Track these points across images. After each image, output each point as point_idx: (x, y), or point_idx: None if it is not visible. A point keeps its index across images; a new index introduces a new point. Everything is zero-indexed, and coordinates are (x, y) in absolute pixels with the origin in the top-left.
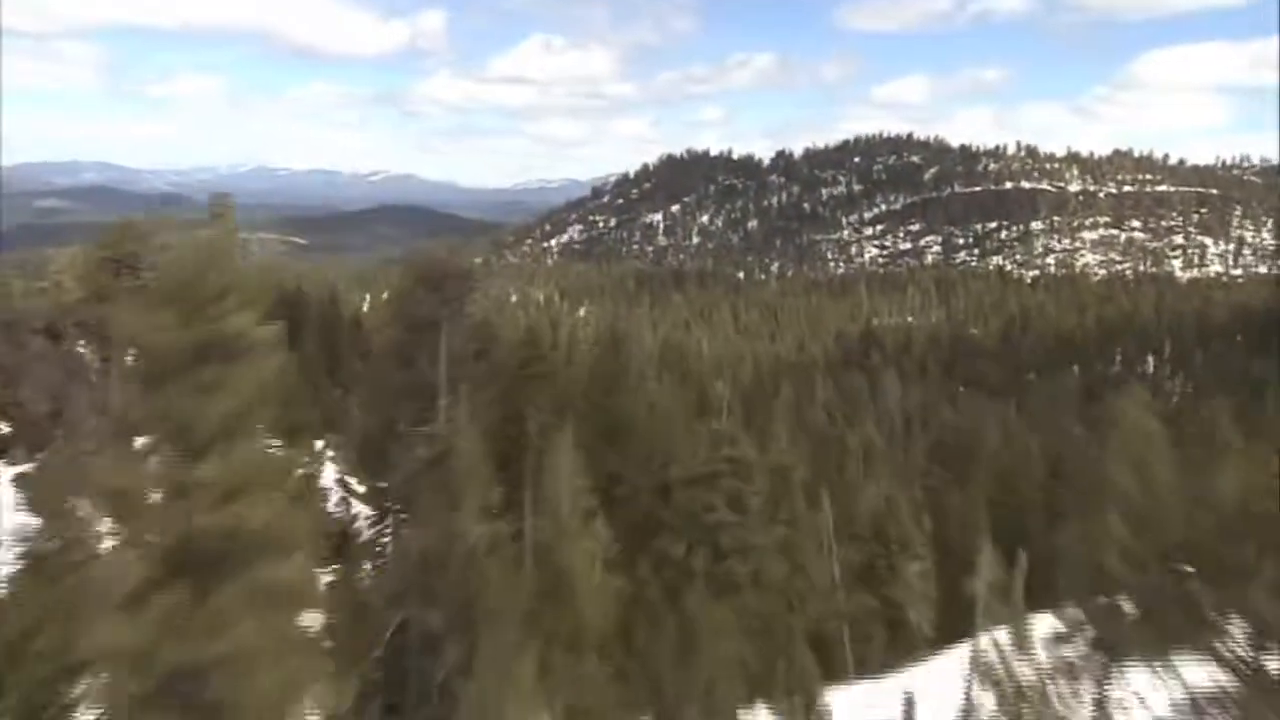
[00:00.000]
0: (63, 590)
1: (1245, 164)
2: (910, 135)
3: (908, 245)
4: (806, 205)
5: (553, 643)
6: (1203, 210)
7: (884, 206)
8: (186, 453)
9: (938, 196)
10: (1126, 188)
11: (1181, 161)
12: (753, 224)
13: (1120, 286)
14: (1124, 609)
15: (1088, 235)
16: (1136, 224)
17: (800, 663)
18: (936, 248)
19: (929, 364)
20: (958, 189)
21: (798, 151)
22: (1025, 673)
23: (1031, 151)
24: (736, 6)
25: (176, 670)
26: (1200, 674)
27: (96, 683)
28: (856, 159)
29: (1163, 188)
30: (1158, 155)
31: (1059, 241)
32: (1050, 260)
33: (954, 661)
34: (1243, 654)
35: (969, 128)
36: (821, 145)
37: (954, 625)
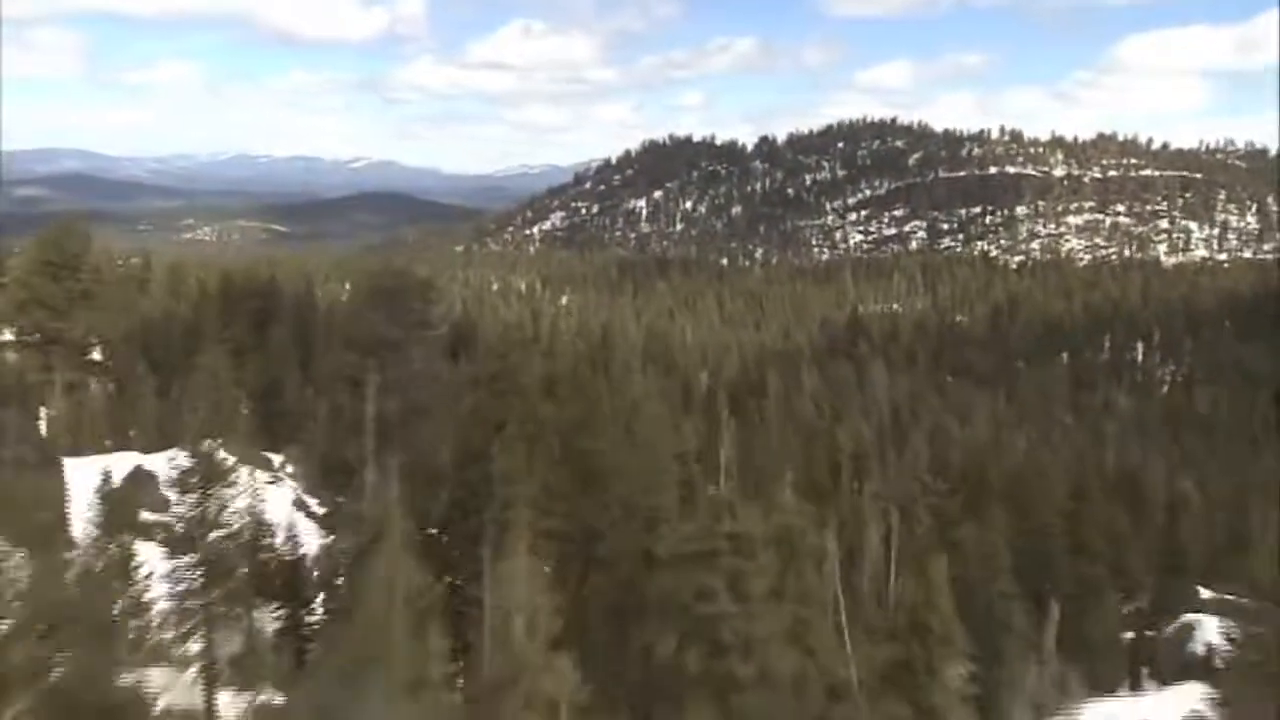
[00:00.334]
0: None
1: (1229, 148)
2: (894, 120)
3: (892, 231)
4: (790, 191)
5: None
6: (1187, 194)
7: (868, 192)
8: None
9: (922, 182)
10: (1111, 172)
11: (1165, 145)
12: (736, 210)
13: (1107, 272)
14: None
15: (1072, 220)
16: (1121, 209)
17: None
18: (921, 233)
19: (917, 353)
20: (942, 174)
21: (781, 137)
22: None
23: (1016, 136)
24: None
25: None
26: None
27: None
28: (840, 144)
29: (1147, 172)
30: (1142, 139)
31: (1044, 226)
32: (1035, 245)
33: None
34: None
35: (952, 112)
36: (805, 130)
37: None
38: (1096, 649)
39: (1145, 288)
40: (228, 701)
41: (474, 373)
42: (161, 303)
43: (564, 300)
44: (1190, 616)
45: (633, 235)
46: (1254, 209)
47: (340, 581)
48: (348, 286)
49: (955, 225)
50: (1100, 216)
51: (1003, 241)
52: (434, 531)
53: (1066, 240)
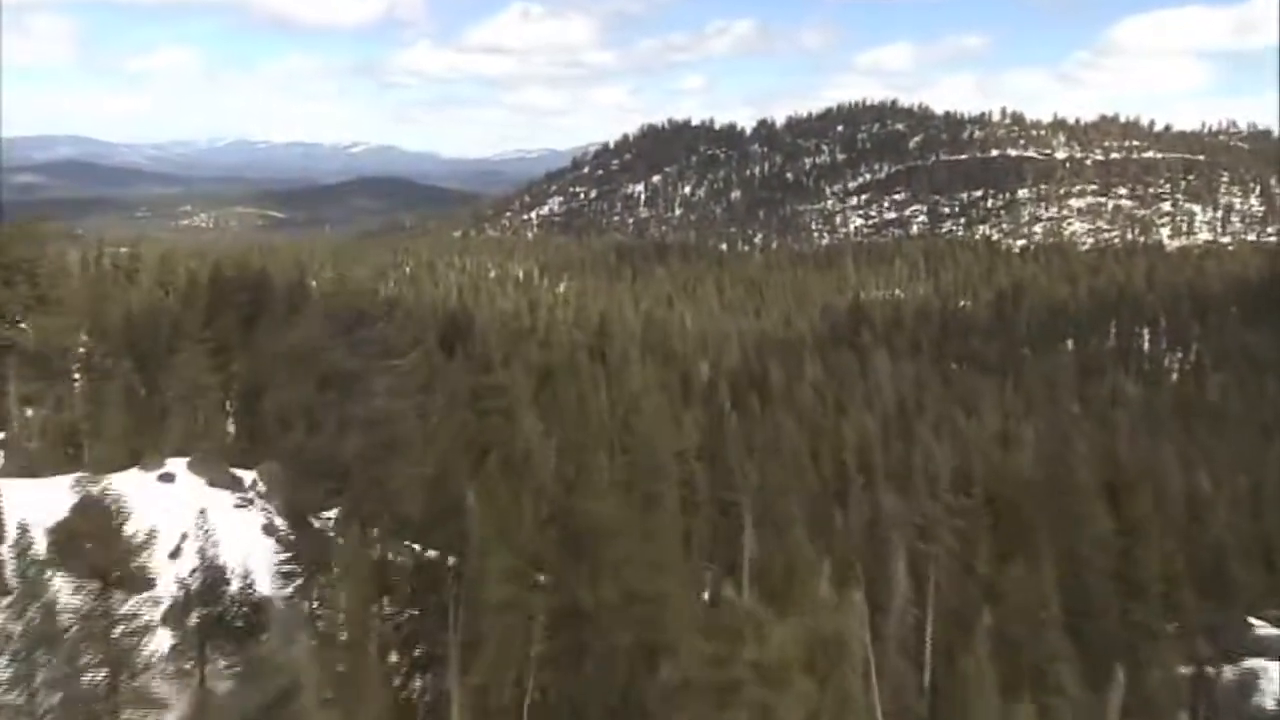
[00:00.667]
0: None
1: (1231, 129)
2: (894, 103)
3: (893, 215)
4: (790, 175)
5: None
6: (1190, 177)
7: (868, 176)
8: None
9: (923, 165)
10: (1113, 155)
11: (1168, 128)
12: (735, 194)
13: (1111, 257)
14: None
15: (1075, 203)
16: (1124, 191)
17: None
18: (922, 217)
19: (921, 341)
20: (943, 157)
21: (780, 120)
22: None
23: (1017, 119)
24: None
25: None
26: None
27: None
28: (840, 127)
29: (1149, 154)
30: (1144, 121)
31: (1046, 210)
32: (1037, 229)
33: None
34: None
35: (951, 94)
36: (804, 114)
37: None
38: (1158, 710)
39: (1150, 272)
40: None
41: (457, 387)
42: (148, 296)
43: (562, 287)
44: (1254, 662)
45: (631, 220)
46: (1257, 191)
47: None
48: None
49: (957, 209)
50: (1103, 199)
51: (1005, 225)
52: (395, 611)
53: (1069, 223)
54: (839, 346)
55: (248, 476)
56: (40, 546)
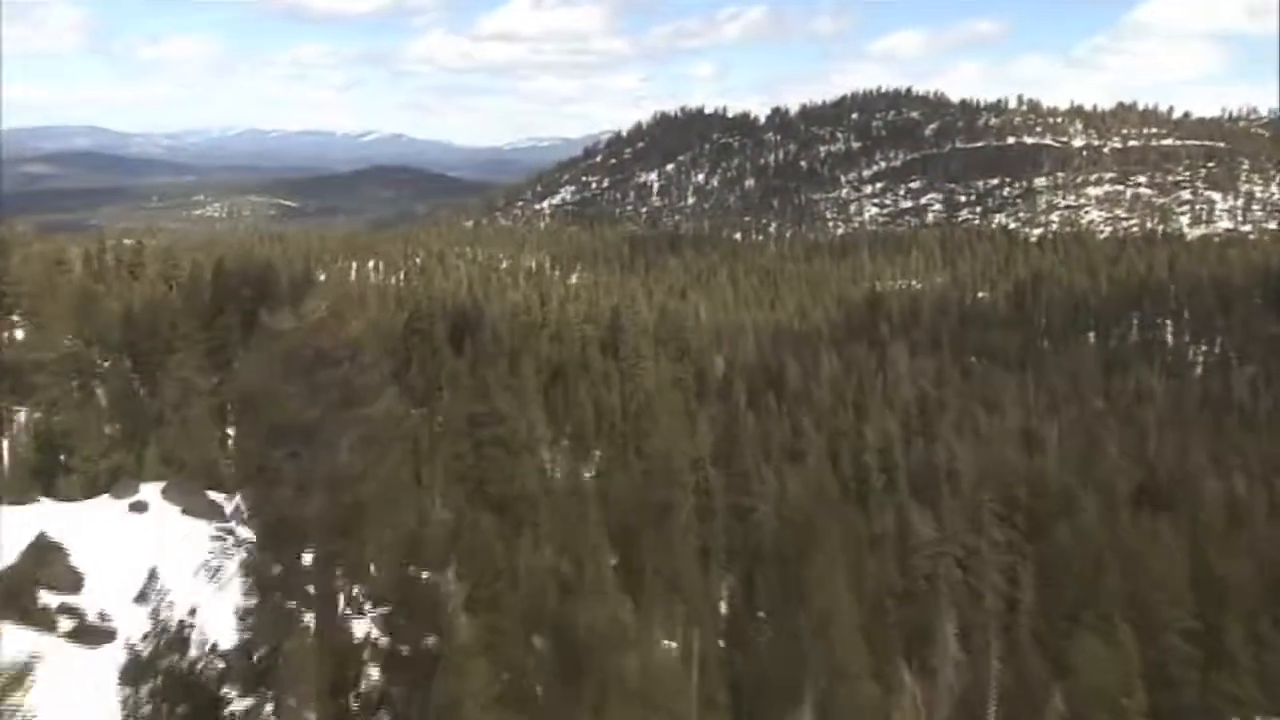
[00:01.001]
0: None
1: (1252, 116)
2: (909, 90)
3: (908, 203)
4: (804, 164)
5: None
6: (1210, 164)
7: (883, 164)
8: None
9: (938, 153)
10: (1131, 142)
11: (1187, 114)
12: (749, 183)
13: (1131, 246)
14: None
15: (1092, 191)
16: (1142, 179)
17: None
18: (938, 206)
19: (941, 334)
20: (958, 145)
21: (793, 108)
22: None
23: (1034, 106)
24: None
25: None
26: None
27: None
28: (854, 115)
29: (1168, 141)
30: (1162, 108)
31: (1063, 198)
32: (1054, 218)
33: None
34: None
35: (964, 81)
36: (818, 101)
37: None
38: None
39: (1172, 262)
40: None
41: (456, 414)
42: (151, 291)
43: (574, 279)
44: None
45: (644, 209)
46: (1278, 179)
47: None
48: (354, 266)
49: (973, 197)
50: (1121, 188)
51: (1021, 214)
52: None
53: (1087, 212)
54: (856, 340)
55: (231, 503)
56: None
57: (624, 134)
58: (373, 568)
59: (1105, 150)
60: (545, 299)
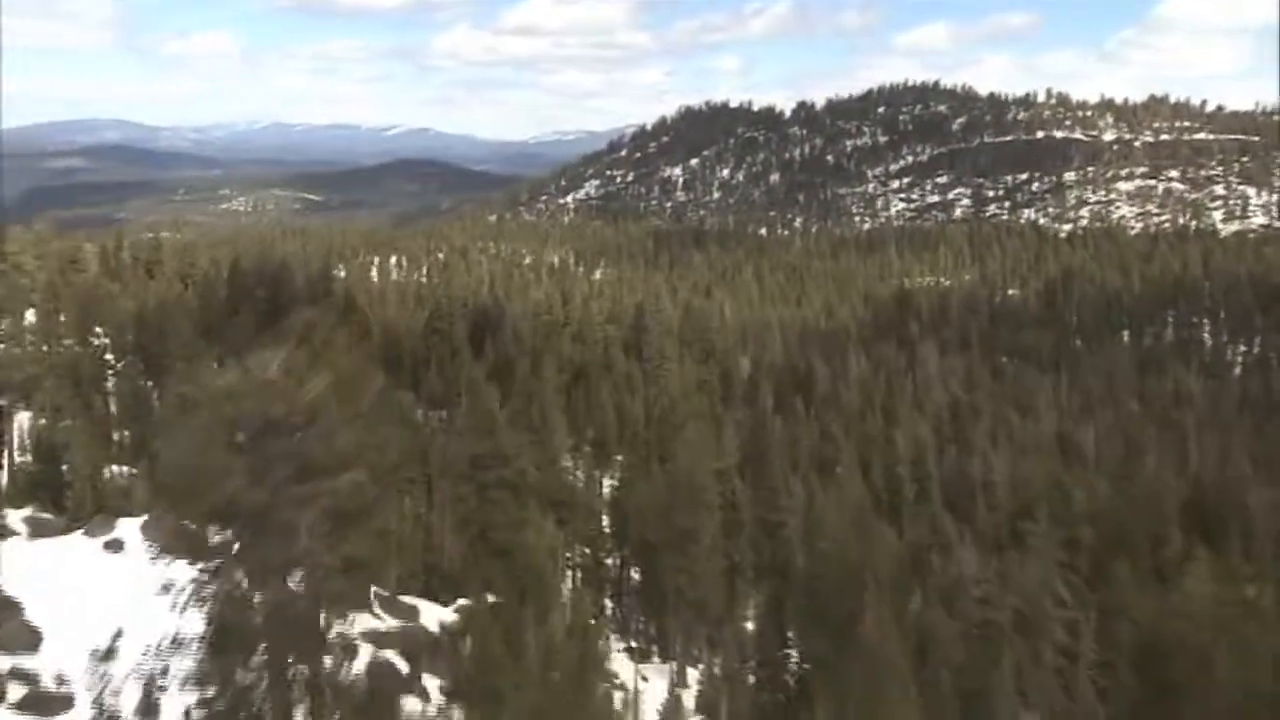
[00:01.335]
0: None
1: None
2: (936, 84)
3: (936, 198)
4: (830, 158)
5: None
6: (1244, 159)
7: (910, 158)
8: None
9: (966, 147)
10: (1163, 136)
11: (1220, 108)
12: (774, 178)
13: (1164, 243)
14: None
15: (1123, 186)
16: (1174, 174)
17: None
18: (966, 200)
19: (971, 333)
20: (987, 139)
21: (819, 102)
22: None
23: (1063, 99)
24: None
25: None
26: None
27: None
28: (880, 109)
29: (1201, 135)
30: (1195, 101)
31: (1093, 193)
32: (1084, 213)
33: None
34: None
35: (993, 74)
36: (844, 95)
37: None
38: None
39: (1206, 259)
40: None
41: (460, 454)
42: (166, 290)
43: (597, 275)
44: None
45: (668, 204)
46: None
47: None
48: (376, 261)
49: (1001, 192)
50: (1152, 182)
51: (1051, 209)
52: None
53: (1117, 207)
54: (884, 338)
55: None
56: None
57: (649, 128)
58: (340, 675)
59: (1136, 144)
60: (568, 297)
